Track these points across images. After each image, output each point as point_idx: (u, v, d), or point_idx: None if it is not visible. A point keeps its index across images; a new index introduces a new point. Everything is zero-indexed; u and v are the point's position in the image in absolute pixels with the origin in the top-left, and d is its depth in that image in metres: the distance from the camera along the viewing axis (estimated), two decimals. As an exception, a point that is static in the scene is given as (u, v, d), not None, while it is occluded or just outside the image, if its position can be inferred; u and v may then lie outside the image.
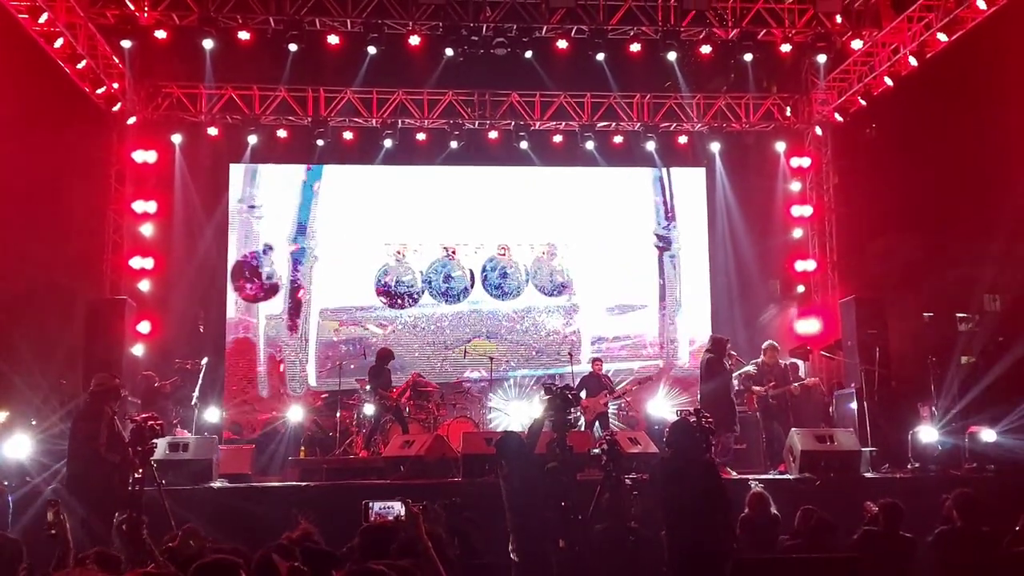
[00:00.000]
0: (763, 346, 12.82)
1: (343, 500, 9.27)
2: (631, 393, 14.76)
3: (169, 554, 6.03)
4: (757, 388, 12.36)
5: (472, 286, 16.82)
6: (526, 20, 13.95)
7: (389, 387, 13.47)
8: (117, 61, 14.11)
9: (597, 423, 13.25)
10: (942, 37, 13.10)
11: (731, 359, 12.28)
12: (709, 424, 8.29)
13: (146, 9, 13.36)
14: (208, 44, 13.54)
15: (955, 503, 7.18)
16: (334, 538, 5.90)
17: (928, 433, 11.77)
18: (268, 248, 16.58)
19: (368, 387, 13.50)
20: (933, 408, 12.37)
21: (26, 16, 12.02)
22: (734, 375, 12.34)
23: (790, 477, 10.86)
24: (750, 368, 12.48)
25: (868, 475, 11.21)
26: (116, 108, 14.68)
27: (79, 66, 13.30)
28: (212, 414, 13.67)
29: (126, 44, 13.58)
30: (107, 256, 14.89)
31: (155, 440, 8.13)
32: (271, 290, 16.52)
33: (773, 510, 7.82)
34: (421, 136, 16.29)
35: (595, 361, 14.22)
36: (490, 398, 15.20)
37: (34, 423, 11.37)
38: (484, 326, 16.79)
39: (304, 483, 11.13)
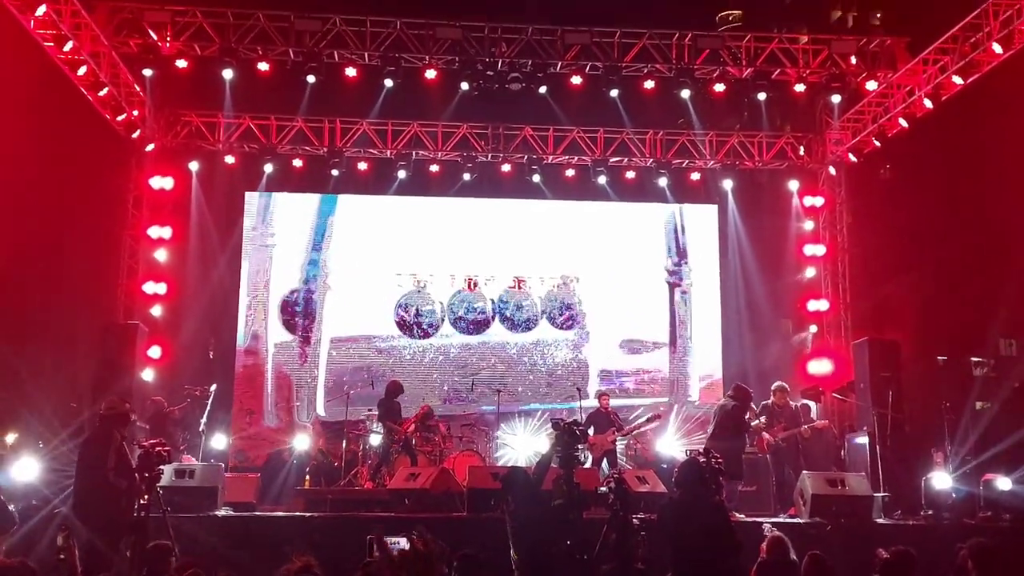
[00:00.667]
0: (772, 387, 12.64)
1: (347, 532, 9.22)
2: (639, 431, 14.63)
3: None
4: (766, 433, 12.18)
5: (493, 318, 16.83)
6: (541, 56, 14.08)
7: (399, 420, 13.43)
8: (138, 89, 14.32)
9: (605, 460, 13.14)
10: (957, 80, 13.11)
11: (751, 414, 11.99)
12: (719, 465, 8.19)
13: (168, 39, 13.56)
14: (228, 74, 13.77)
15: (971, 553, 7.03)
16: (337, 571, 5.84)
17: (942, 479, 11.58)
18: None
19: (377, 420, 13.47)
20: (947, 454, 12.20)
21: (51, 44, 12.21)
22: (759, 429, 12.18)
23: (800, 521, 10.70)
24: (760, 422, 12.24)
25: (880, 521, 11.04)
26: (135, 135, 14.85)
27: (101, 93, 13.49)
28: (219, 441, 13.64)
29: (147, 73, 13.84)
30: (121, 280, 14.98)
31: (162, 466, 8.11)
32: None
33: (792, 556, 7.69)
34: (435, 168, 16.39)
35: (603, 397, 14.13)
36: (497, 432, 15.11)
37: (42, 445, 11.38)
38: (494, 358, 16.75)
39: (308, 513, 11.06)
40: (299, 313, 16.58)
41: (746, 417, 11.84)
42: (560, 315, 16.99)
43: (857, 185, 16.60)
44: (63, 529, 6.37)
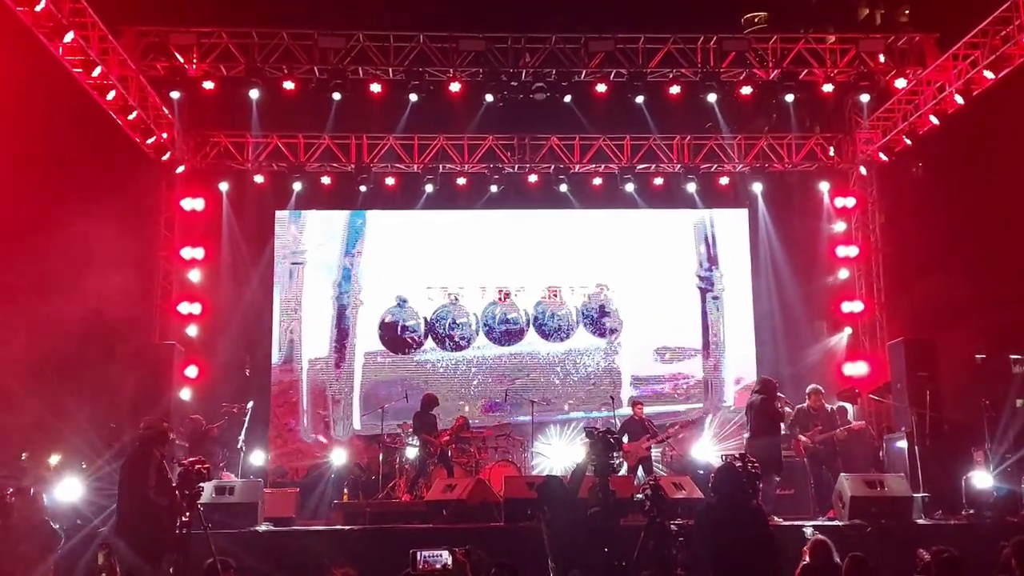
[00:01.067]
0: (807, 390, 12.52)
1: (386, 544, 9.27)
2: (674, 437, 14.56)
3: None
4: (803, 436, 12.08)
5: (528, 328, 16.86)
6: (565, 64, 14.09)
7: (434, 432, 13.46)
8: (167, 111, 14.54)
9: (640, 467, 13.09)
10: (988, 74, 12.94)
11: (780, 401, 12.05)
12: (755, 469, 8.15)
13: (195, 61, 13.76)
14: (254, 94, 13.92)
15: (1014, 551, 6.94)
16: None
17: (982, 478, 11.43)
18: (403, 301, 16.79)
19: (412, 432, 13.53)
20: (987, 452, 12.02)
21: (80, 70, 12.43)
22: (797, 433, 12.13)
23: (839, 523, 10.59)
24: (788, 409, 12.20)
25: (920, 521, 10.90)
26: (165, 157, 15.06)
27: (130, 117, 13.71)
28: (257, 457, 13.77)
29: (175, 95, 14.04)
30: (156, 302, 15.20)
31: (202, 484, 8.20)
32: (415, 342, 16.76)
33: (836, 558, 7.61)
34: (462, 180, 16.46)
35: (636, 405, 14.07)
36: (533, 442, 15.11)
37: (84, 466, 11.54)
38: (528, 369, 16.77)
39: (348, 527, 11.13)
40: (333, 328, 16.70)
41: (777, 406, 11.78)
42: (594, 324, 16.97)
43: (889, 184, 16.44)
44: (103, 547, 6.47)
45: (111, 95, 13.07)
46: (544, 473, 13.95)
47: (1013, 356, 15.47)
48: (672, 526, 7.49)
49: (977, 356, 14.60)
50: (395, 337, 16.77)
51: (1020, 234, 15.43)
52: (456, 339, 16.79)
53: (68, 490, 10.47)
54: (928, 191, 16.53)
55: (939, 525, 10.80)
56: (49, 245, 12.73)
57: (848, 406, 14.09)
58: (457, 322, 16.81)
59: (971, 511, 11.16)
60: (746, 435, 12.21)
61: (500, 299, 16.89)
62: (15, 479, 10.15)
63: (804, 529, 8.62)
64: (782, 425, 12.06)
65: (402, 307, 16.80)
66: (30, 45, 11.56)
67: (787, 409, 12.16)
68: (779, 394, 12.08)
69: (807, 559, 7.55)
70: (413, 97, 14.09)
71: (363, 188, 16.05)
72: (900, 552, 8.31)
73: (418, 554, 5.30)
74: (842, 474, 11.25)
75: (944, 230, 16.05)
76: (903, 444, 12.37)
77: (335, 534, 10.72)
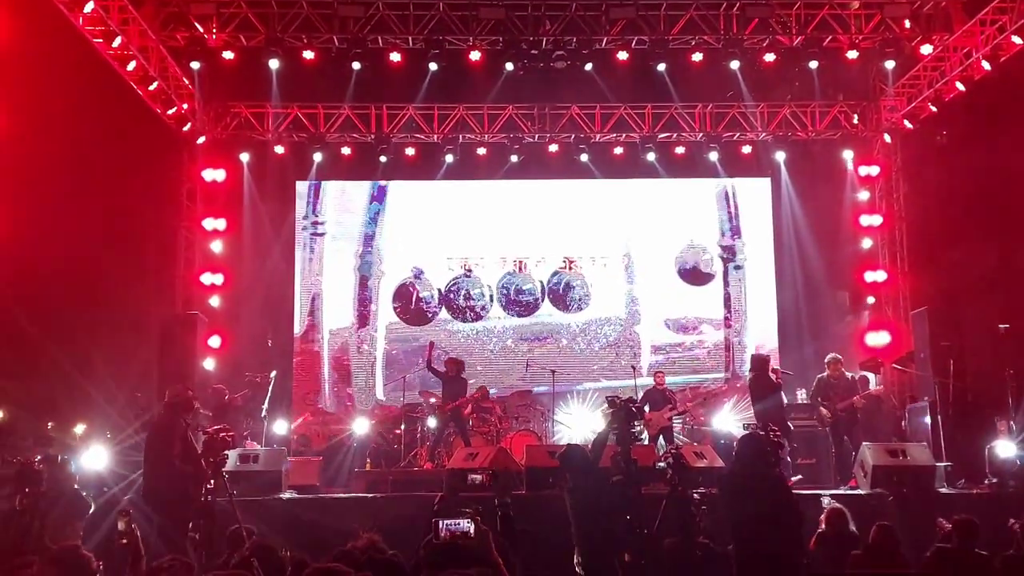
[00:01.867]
0: (827, 360, 12.58)
1: (408, 511, 9.36)
2: (695, 407, 14.57)
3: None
4: (823, 408, 12.12)
5: (543, 299, 16.86)
6: (586, 32, 13.96)
7: (459, 396, 13.39)
8: (187, 82, 14.54)
9: (661, 437, 13.13)
10: (1017, 40, 12.74)
11: (776, 373, 12.37)
12: (778, 438, 8.15)
13: (214, 31, 13.74)
14: (274, 64, 13.88)
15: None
16: (399, 549, 5.93)
17: (1006, 447, 11.36)
18: (419, 271, 16.85)
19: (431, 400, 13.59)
20: (1011, 422, 11.95)
21: (100, 41, 12.44)
22: (802, 392, 12.27)
23: (861, 492, 10.59)
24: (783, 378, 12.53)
25: (943, 491, 10.89)
26: (186, 128, 15.09)
27: (151, 88, 13.72)
28: (280, 426, 13.90)
29: (195, 65, 13.98)
30: (179, 272, 15.28)
31: (227, 452, 8.31)
32: (431, 313, 16.84)
33: (852, 527, 7.63)
34: (482, 151, 16.40)
35: (658, 374, 14.09)
36: (553, 411, 15.15)
37: (110, 436, 11.70)
38: (548, 338, 16.79)
39: (370, 495, 11.24)
40: (355, 299, 16.77)
41: (770, 377, 12.29)
42: (613, 294, 16.95)
43: (913, 152, 16.21)
44: (124, 514, 6.56)
45: (131, 66, 13.10)
46: (565, 442, 14.01)
47: (1037, 326, 15.33)
48: (695, 495, 7.51)
49: (1001, 326, 14.44)
50: (410, 308, 16.81)
51: (1046, 202, 15.23)
52: (473, 309, 16.81)
53: (94, 458, 10.61)
54: (953, 159, 16.28)
55: (962, 494, 10.80)
56: (72, 217, 12.80)
57: (870, 376, 14.04)
58: (471, 293, 16.83)
59: (994, 480, 11.12)
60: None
61: (518, 269, 16.88)
62: (42, 448, 10.32)
63: (822, 499, 8.64)
64: (782, 394, 12.27)
65: (419, 278, 16.84)
66: (51, 15, 11.57)
67: (781, 379, 12.37)
68: (773, 367, 12.59)
69: (823, 527, 7.58)
70: (433, 66, 14.00)
71: (383, 159, 16.01)
72: (922, 521, 8.31)
73: (440, 522, 5.30)
74: (864, 443, 11.25)
75: (968, 199, 15.83)
76: (926, 414, 12.32)
77: (358, 501, 10.83)
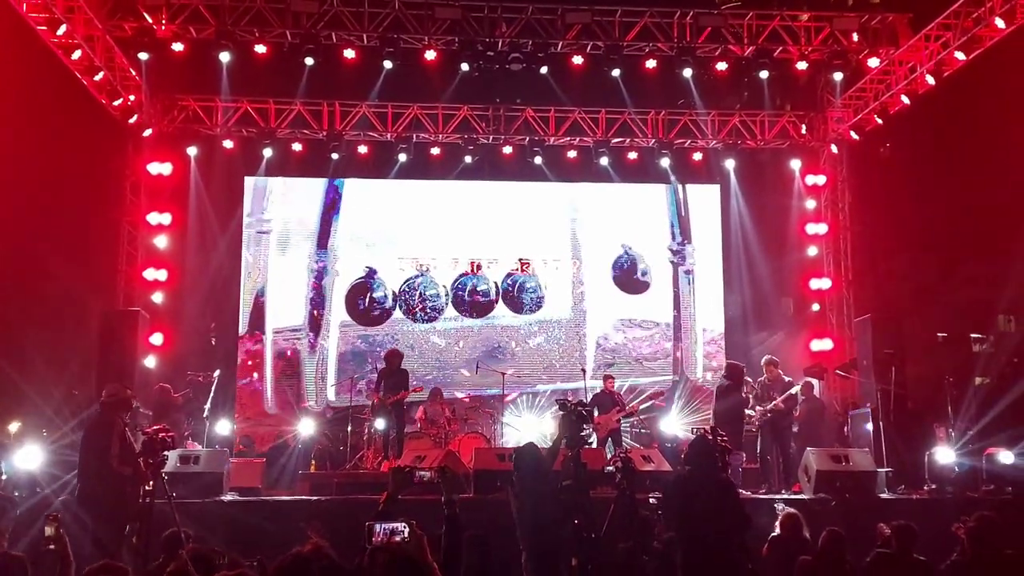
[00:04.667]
0: (763, 362, 12.90)
1: (353, 515, 9.21)
2: (643, 410, 14.64)
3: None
4: (751, 412, 12.30)
5: (497, 301, 16.81)
6: (542, 36, 13.95)
7: (399, 390, 13.20)
8: (134, 73, 14.21)
9: (610, 440, 13.16)
10: (960, 56, 13.06)
11: (747, 386, 12.35)
12: (725, 443, 8.22)
13: (164, 22, 13.44)
14: (225, 57, 13.62)
15: (975, 527, 7.01)
16: (343, 553, 5.82)
17: (945, 454, 11.64)
18: (372, 271, 16.63)
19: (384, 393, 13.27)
20: (950, 429, 12.24)
21: (44, 28, 12.11)
22: (753, 406, 12.32)
23: (805, 497, 10.73)
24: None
25: (884, 496, 11.08)
26: (132, 120, 14.76)
27: (96, 78, 13.38)
28: (223, 427, 13.65)
29: (143, 56, 13.63)
30: (121, 267, 14.93)
31: (166, 452, 8.09)
32: (383, 313, 16.59)
33: (805, 532, 7.70)
34: (436, 151, 16.31)
35: (607, 378, 14.11)
36: (503, 413, 15.11)
37: (46, 434, 11.36)
38: (499, 340, 16.74)
39: (314, 497, 11.07)
40: (307, 299, 16.55)
41: (743, 394, 12.15)
42: (564, 296, 16.97)
43: (859, 163, 16.54)
44: (52, 519, 6.33)
45: (76, 55, 12.76)
46: (514, 445, 13.98)
47: (974, 335, 15.73)
48: (651, 499, 7.53)
49: (939, 335, 14.79)
50: (362, 308, 16.65)
51: (984, 215, 15.64)
52: (426, 310, 16.71)
53: (28, 457, 10.28)
54: (897, 171, 16.67)
55: (902, 500, 10.99)
56: (10, 208, 12.41)
57: (814, 381, 14.25)
58: (427, 294, 16.72)
59: (933, 486, 11.36)
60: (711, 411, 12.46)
61: (472, 271, 16.82)
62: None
63: (776, 504, 8.73)
64: (746, 411, 12.25)
65: (372, 278, 16.68)
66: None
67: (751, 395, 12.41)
68: (747, 378, 12.32)
69: (778, 531, 7.64)
70: (387, 64, 13.87)
71: (335, 156, 15.81)
72: (863, 526, 8.43)
73: (375, 526, 5.08)
74: (808, 448, 11.42)
75: (911, 210, 16.20)
76: (868, 420, 12.53)
77: (301, 504, 10.65)
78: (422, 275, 16.73)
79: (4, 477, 9.29)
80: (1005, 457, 11.16)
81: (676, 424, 15.44)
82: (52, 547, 6.18)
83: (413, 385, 13.38)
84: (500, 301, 16.83)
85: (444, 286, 16.77)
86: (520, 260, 16.91)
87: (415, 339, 16.62)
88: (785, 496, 10.83)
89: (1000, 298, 15.96)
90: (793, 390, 12.51)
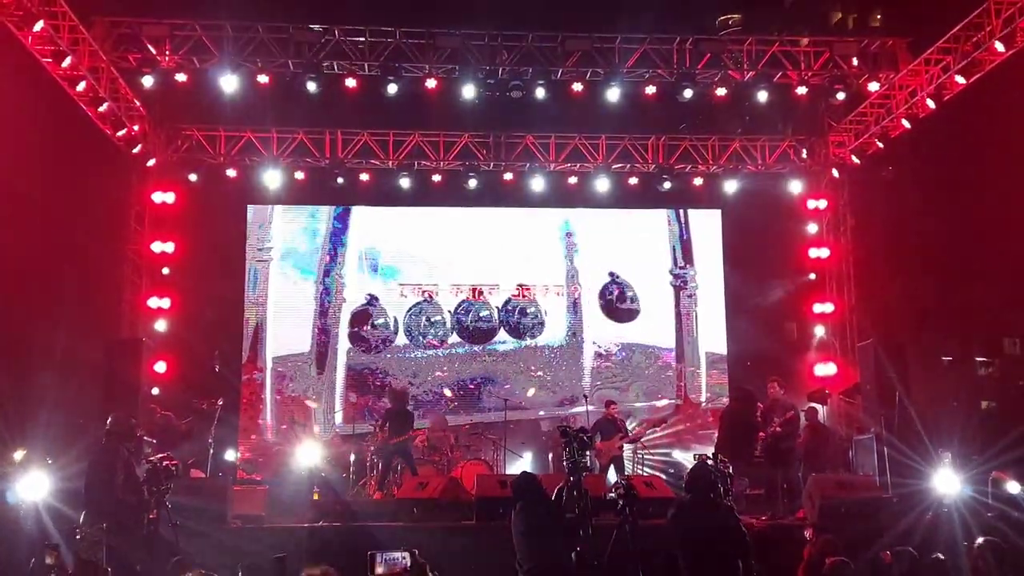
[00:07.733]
0: (767, 384, 12.80)
1: (356, 542, 9.19)
2: (646, 436, 14.61)
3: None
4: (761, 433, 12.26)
5: (499, 327, 16.82)
6: (541, 63, 14.04)
7: (404, 430, 13.26)
8: (138, 104, 14.34)
9: (612, 466, 13.11)
10: (960, 79, 13.10)
11: (758, 411, 12.34)
12: (727, 468, 8.19)
13: (167, 53, 13.57)
14: (227, 87, 13.71)
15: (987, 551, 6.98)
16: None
17: (950, 480, 11.52)
18: (373, 299, 16.68)
19: (392, 434, 13.33)
20: (955, 453, 12.14)
21: (50, 60, 12.23)
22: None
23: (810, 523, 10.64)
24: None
25: (888, 522, 10.97)
26: (136, 150, 14.87)
27: (101, 109, 13.50)
28: (227, 455, 13.61)
29: (147, 82, 13.72)
30: (126, 296, 14.99)
31: (170, 481, 8.10)
32: (386, 340, 16.63)
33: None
34: (437, 177, 16.38)
35: (609, 403, 14.09)
36: (505, 440, 15.06)
37: (51, 462, 11.34)
38: (501, 366, 16.74)
39: (318, 524, 11.03)
40: (313, 326, 16.57)
41: (756, 418, 12.13)
42: (564, 322, 16.97)
43: (860, 187, 16.56)
44: (51, 549, 6.34)
45: (81, 86, 12.87)
46: (517, 472, 13.93)
47: (979, 359, 15.70)
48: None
49: (944, 358, 14.76)
50: (364, 335, 16.66)
51: (988, 238, 15.65)
52: (430, 337, 16.72)
53: (33, 486, 10.25)
54: (898, 194, 16.70)
55: (906, 525, 10.88)
56: (16, 238, 12.49)
57: (818, 406, 14.20)
58: (432, 320, 16.75)
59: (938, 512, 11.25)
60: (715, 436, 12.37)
61: (473, 297, 16.85)
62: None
63: (806, 531, 8.66)
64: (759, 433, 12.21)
65: (373, 304, 16.71)
66: (-1, 34, 11.36)
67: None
68: (759, 403, 12.27)
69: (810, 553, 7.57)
70: (391, 89, 13.95)
71: (340, 180, 15.87)
72: (866, 552, 8.38)
73: (377, 556, 5.07)
74: (813, 474, 11.35)
75: (913, 233, 16.22)
76: (872, 445, 12.46)
77: (305, 531, 10.61)
78: (427, 302, 16.76)
79: (9, 505, 9.26)
80: (1012, 487, 11.02)
81: (680, 450, 15.38)
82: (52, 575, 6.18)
83: (415, 428, 13.43)
84: (501, 328, 16.82)
85: (448, 311, 16.79)
86: (520, 286, 16.93)
87: (418, 366, 16.62)
88: (788, 523, 10.76)
89: (1005, 321, 15.94)
90: (790, 414, 12.48)
